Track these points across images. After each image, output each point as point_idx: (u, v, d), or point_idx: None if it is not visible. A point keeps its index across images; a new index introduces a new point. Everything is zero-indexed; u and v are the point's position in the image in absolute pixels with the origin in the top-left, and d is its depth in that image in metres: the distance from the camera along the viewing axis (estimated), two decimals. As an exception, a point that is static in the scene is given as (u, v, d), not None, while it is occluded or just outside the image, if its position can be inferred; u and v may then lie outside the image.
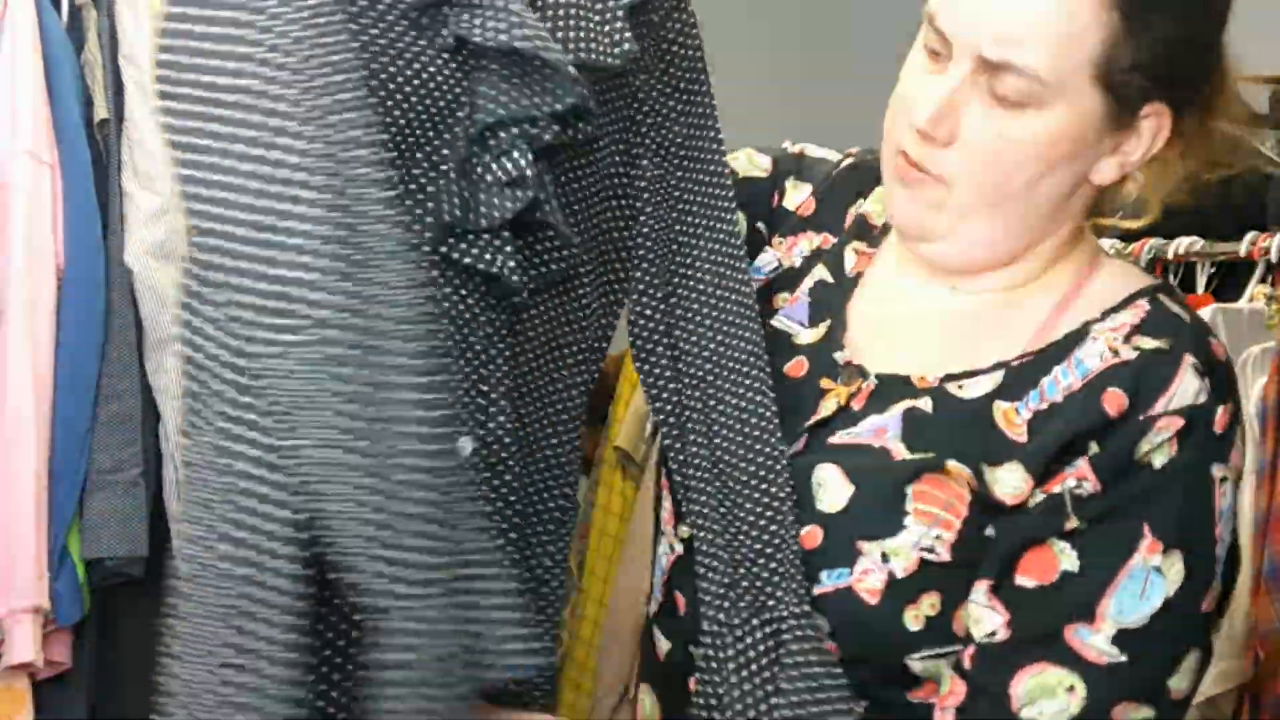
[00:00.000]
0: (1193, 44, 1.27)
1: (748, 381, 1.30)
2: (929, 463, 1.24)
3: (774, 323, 1.37)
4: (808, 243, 1.42)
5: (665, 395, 1.32)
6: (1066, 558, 1.20)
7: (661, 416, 1.32)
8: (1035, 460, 1.22)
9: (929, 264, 1.32)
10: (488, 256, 1.22)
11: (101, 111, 2.29)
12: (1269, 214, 2.59)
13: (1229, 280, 2.70)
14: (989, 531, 1.23)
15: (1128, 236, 2.54)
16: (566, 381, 1.35)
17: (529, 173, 1.19)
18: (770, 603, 1.26)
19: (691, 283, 1.34)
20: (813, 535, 1.26)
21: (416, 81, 1.18)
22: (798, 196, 1.44)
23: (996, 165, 1.25)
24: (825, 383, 1.32)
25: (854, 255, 1.39)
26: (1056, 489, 1.21)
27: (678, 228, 1.35)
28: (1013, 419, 1.24)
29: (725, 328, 1.32)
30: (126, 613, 2.27)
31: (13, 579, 2.11)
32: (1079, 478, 1.20)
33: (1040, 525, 1.21)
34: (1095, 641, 1.19)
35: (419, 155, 1.20)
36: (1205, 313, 2.54)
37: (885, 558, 1.23)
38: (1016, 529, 1.21)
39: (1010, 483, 1.22)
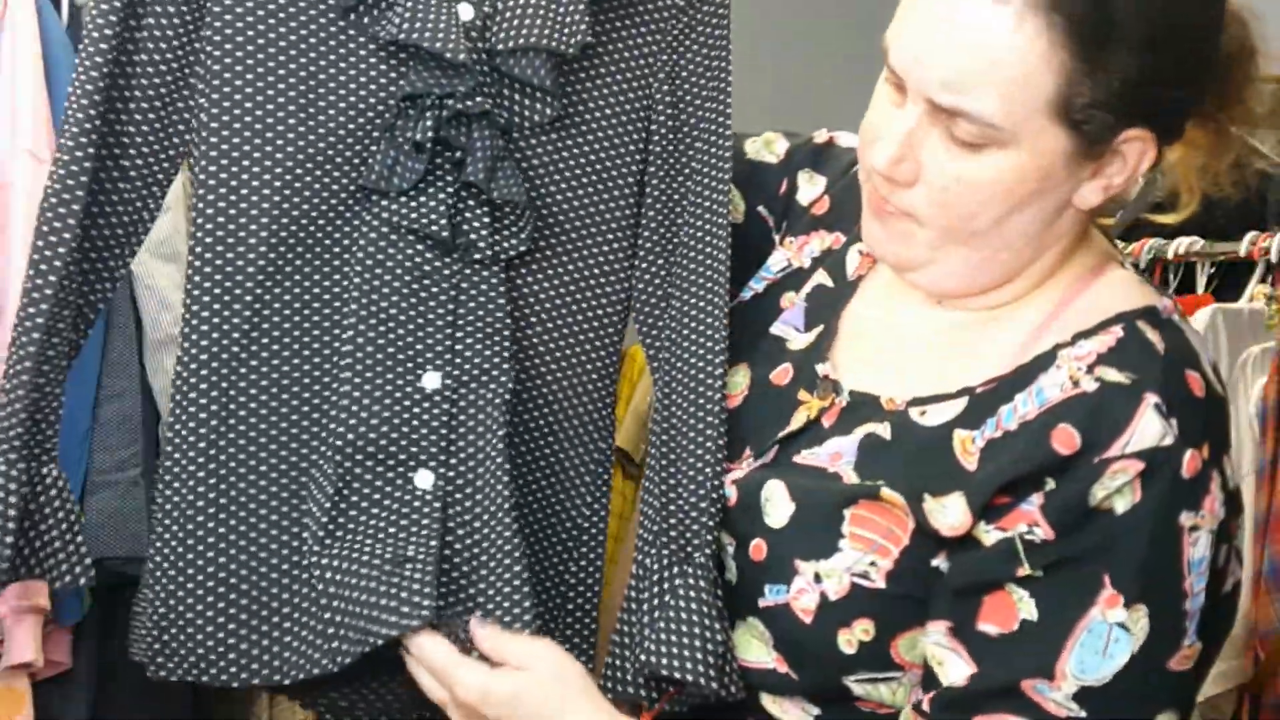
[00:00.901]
0: (1162, 73, 1.19)
1: (705, 346, 1.34)
2: (868, 490, 1.22)
3: (773, 329, 1.37)
4: (819, 242, 1.40)
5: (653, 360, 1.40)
6: (1025, 606, 1.16)
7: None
8: (979, 493, 1.18)
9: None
10: (413, 216, 1.31)
11: (101, 111, 2.29)
12: (1269, 214, 2.59)
13: (1229, 280, 2.70)
14: (936, 563, 1.20)
15: (1127, 236, 2.54)
16: (590, 338, 1.41)
17: (428, 138, 1.30)
18: (695, 554, 1.28)
19: (680, 253, 1.38)
20: (759, 548, 1.26)
21: (356, 71, 1.33)
22: (812, 191, 1.43)
23: (959, 205, 1.21)
24: (802, 394, 1.30)
25: (858, 257, 1.37)
26: (1009, 531, 1.16)
27: (678, 198, 1.39)
28: (968, 447, 1.20)
29: (695, 298, 1.36)
30: (126, 613, 2.27)
31: (13, 579, 2.11)
32: (1030, 523, 1.16)
33: (994, 569, 1.17)
34: (1055, 697, 1.14)
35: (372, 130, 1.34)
36: (1205, 313, 2.54)
37: (818, 578, 1.22)
38: (971, 569, 1.18)
39: (950, 516, 1.18)
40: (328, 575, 1.29)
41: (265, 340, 1.32)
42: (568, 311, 1.39)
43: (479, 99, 1.31)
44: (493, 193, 1.31)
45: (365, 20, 1.31)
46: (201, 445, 1.32)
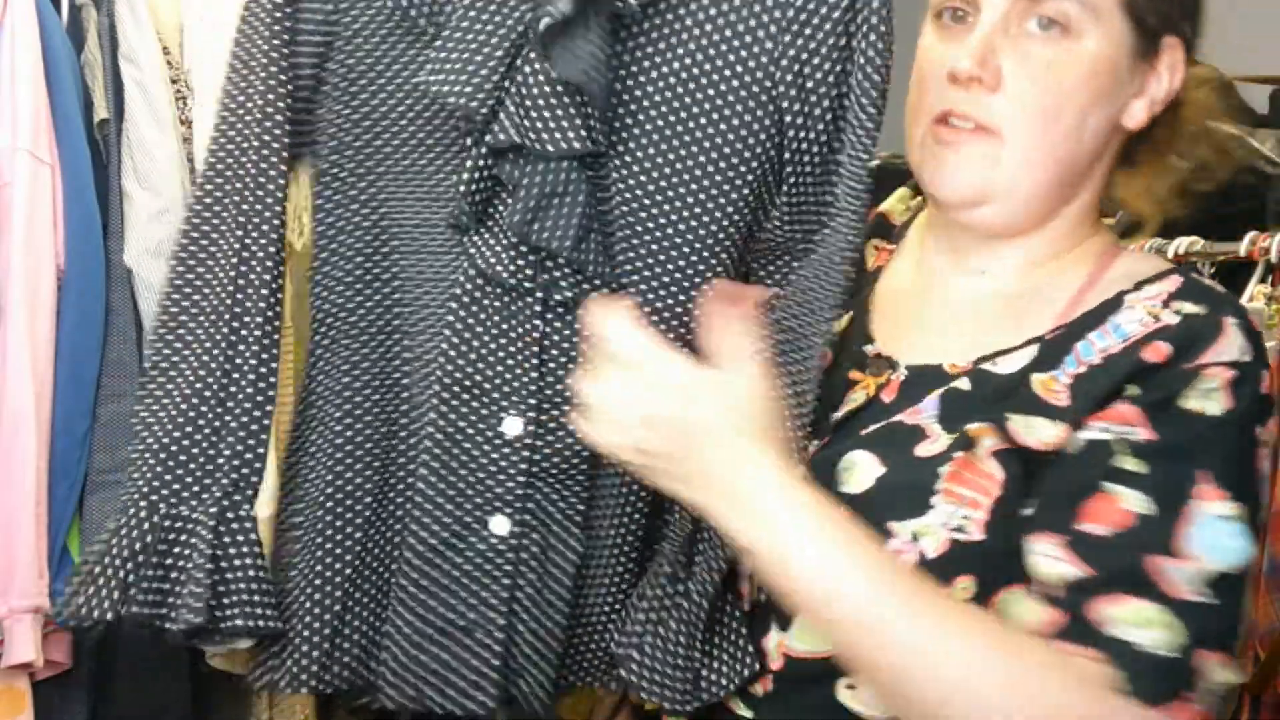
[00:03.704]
0: None
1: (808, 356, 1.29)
2: (959, 441, 1.22)
3: None
4: None
5: None
6: (1131, 500, 1.16)
7: None
8: (1075, 421, 1.19)
9: (964, 239, 1.30)
10: (481, 256, 1.27)
11: (101, 111, 2.29)
12: (1269, 214, 2.58)
13: (1229, 280, 2.70)
14: (1028, 511, 1.20)
15: (1125, 236, 2.54)
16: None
17: (476, 175, 1.26)
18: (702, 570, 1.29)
19: (807, 269, 1.31)
20: None
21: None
22: None
23: (1046, 95, 1.24)
24: (854, 374, 1.31)
25: (874, 252, 1.40)
26: (1104, 434, 1.18)
27: (818, 207, 1.32)
28: (1052, 386, 1.22)
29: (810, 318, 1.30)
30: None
31: (13, 579, 2.11)
32: (1126, 422, 1.18)
33: (1093, 471, 1.18)
34: (1183, 577, 1.14)
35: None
36: (1205, 313, 2.54)
37: (915, 537, 1.21)
38: (1068, 476, 1.18)
39: (1040, 432, 1.20)
40: (407, 618, 1.32)
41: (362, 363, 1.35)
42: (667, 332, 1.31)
43: (502, 133, 1.25)
44: (530, 237, 1.26)
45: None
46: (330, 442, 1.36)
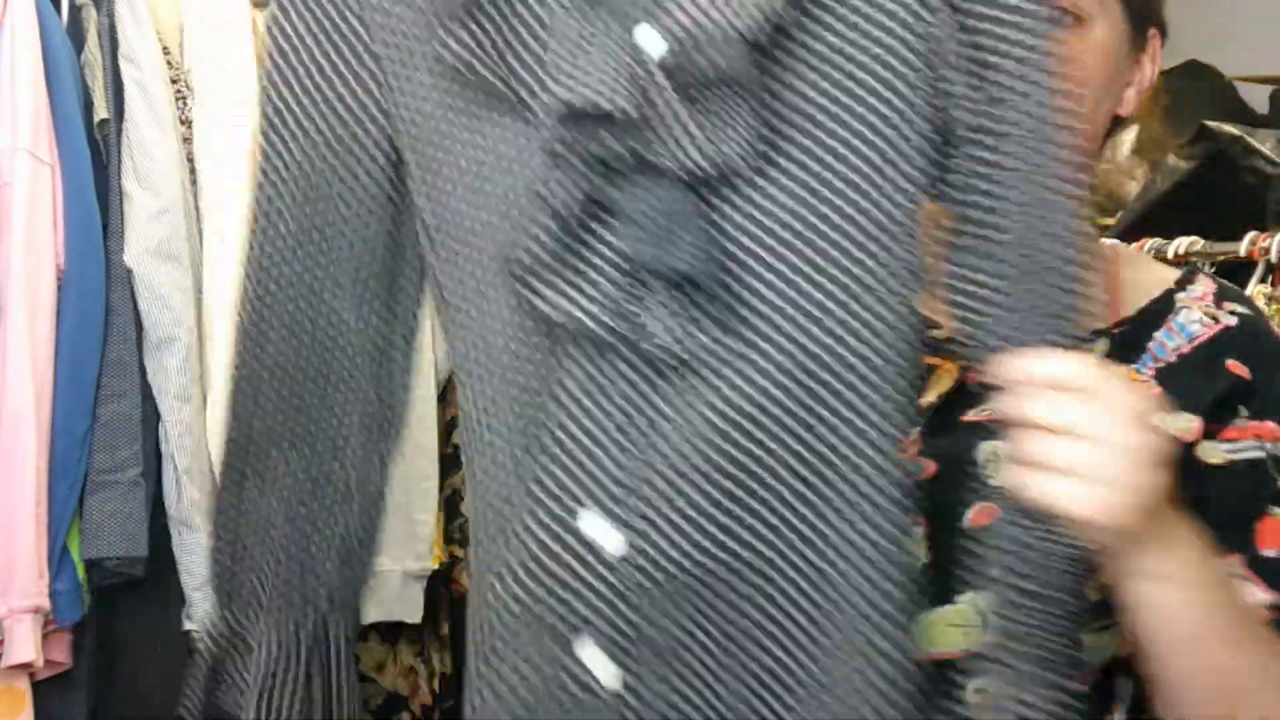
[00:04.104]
0: None
1: None
2: None
3: None
4: None
5: None
6: None
7: None
8: (1192, 404, 1.21)
9: None
10: (554, 304, 1.00)
11: (101, 111, 2.29)
12: (1269, 214, 2.58)
13: (1229, 280, 2.70)
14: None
15: (1125, 236, 2.54)
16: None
17: (573, 199, 1.00)
18: None
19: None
20: (986, 512, 1.15)
21: None
22: None
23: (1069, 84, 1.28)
24: (932, 360, 1.22)
25: None
26: (1254, 454, 1.21)
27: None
28: (1137, 379, 1.24)
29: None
30: (126, 613, 2.27)
31: (13, 579, 2.11)
32: (1269, 437, 1.21)
33: (1257, 493, 1.21)
34: None
35: None
36: (1205, 313, 2.54)
37: None
38: (1231, 500, 1.20)
39: (1178, 422, 1.21)
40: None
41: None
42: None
43: (626, 140, 0.97)
44: (657, 264, 0.96)
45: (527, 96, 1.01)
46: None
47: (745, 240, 0.99)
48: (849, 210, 0.99)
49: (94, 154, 2.28)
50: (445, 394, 2.54)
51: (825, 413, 1.00)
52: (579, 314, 0.98)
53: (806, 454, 1.00)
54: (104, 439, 2.22)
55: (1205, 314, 1.28)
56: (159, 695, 2.27)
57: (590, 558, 1.00)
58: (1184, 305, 1.29)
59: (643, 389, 0.99)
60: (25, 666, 2.14)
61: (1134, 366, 1.25)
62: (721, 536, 0.99)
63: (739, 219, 0.99)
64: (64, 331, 2.20)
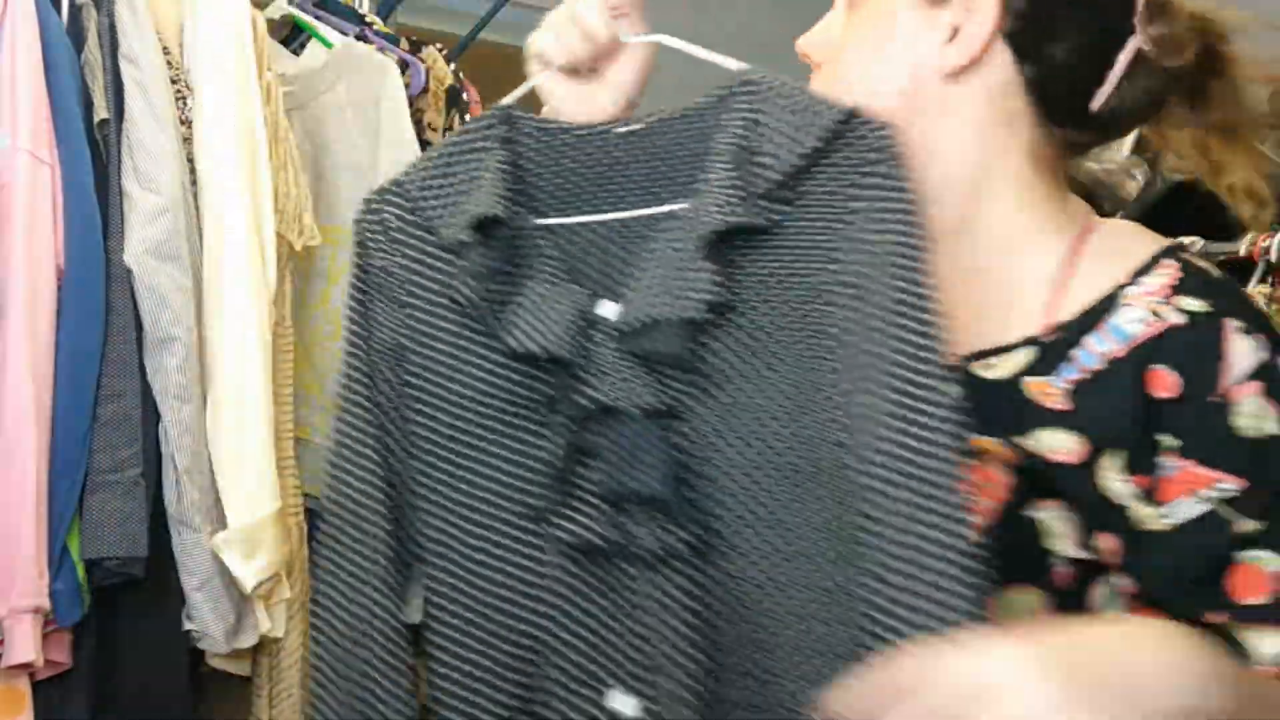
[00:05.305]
0: None
1: None
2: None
3: None
4: None
5: None
6: (1272, 561, 1.11)
7: None
8: (1090, 427, 1.14)
9: None
10: (557, 527, 1.25)
11: (101, 111, 2.29)
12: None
13: (1229, 280, 2.70)
14: (1036, 515, 1.16)
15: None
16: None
17: (559, 446, 1.25)
18: None
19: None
20: None
21: None
22: None
23: None
24: None
25: None
26: (1198, 508, 1.12)
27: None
28: (1047, 390, 1.17)
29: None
30: (126, 613, 2.27)
31: (13, 579, 2.11)
32: (1213, 481, 1.12)
33: (1215, 544, 1.12)
34: None
35: None
36: (1205, 313, 2.53)
37: None
38: (1189, 556, 1.12)
39: (1055, 442, 1.15)
40: None
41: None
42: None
43: (591, 392, 1.20)
44: (624, 490, 1.19)
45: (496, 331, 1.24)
46: None
47: (702, 452, 1.20)
48: (789, 421, 1.18)
49: (94, 154, 2.28)
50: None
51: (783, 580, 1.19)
52: (584, 534, 1.21)
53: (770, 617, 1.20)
54: (104, 439, 2.21)
55: (1150, 311, 1.17)
56: (159, 695, 2.27)
57: None
58: (1128, 302, 1.18)
59: (639, 582, 1.21)
60: (25, 666, 2.14)
61: (1048, 379, 1.18)
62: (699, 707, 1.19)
63: (695, 438, 1.20)
64: (64, 331, 2.20)
